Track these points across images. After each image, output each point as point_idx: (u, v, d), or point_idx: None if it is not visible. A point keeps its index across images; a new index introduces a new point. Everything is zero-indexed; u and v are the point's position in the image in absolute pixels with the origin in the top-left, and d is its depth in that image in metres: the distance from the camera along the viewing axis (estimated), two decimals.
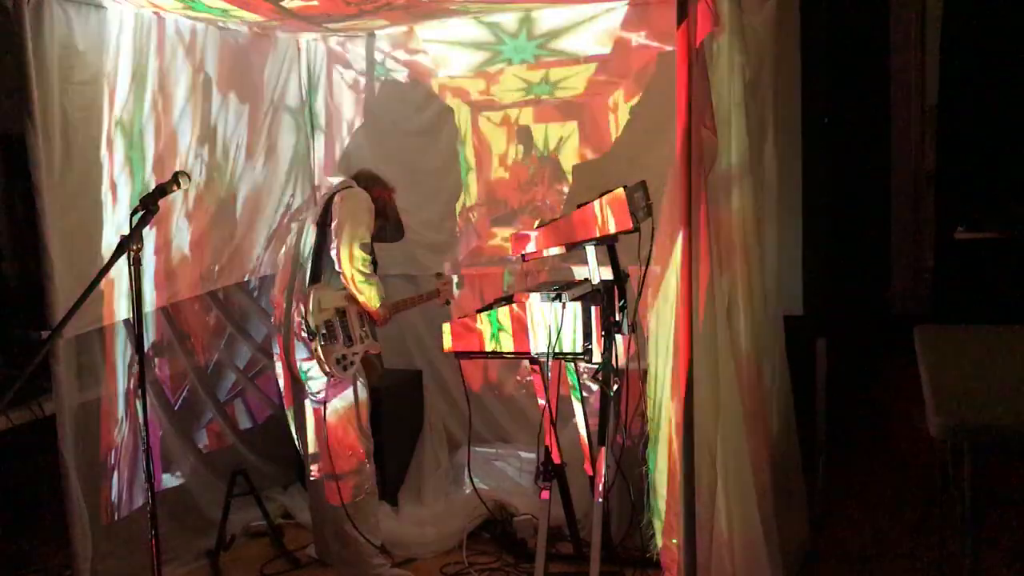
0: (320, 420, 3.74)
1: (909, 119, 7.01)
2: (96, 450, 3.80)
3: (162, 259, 4.19)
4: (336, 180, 3.97)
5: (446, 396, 4.87)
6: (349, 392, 3.75)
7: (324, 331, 3.62)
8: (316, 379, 3.69)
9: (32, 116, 3.34)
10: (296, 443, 3.97)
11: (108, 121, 3.80)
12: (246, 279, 4.79)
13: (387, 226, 4.00)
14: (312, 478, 3.88)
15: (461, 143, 4.87)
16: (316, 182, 5.06)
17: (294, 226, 4.03)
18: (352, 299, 3.74)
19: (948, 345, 2.98)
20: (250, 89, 4.61)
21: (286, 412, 3.95)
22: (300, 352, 3.69)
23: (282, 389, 3.90)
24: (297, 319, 3.64)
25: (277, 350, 3.84)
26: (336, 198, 3.76)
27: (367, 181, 3.96)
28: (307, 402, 3.80)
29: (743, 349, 3.36)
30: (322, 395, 3.71)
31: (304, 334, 3.61)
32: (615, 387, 3.41)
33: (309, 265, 3.72)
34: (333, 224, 3.69)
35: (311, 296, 3.62)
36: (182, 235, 4.30)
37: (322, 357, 3.60)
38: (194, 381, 4.48)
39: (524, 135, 4.77)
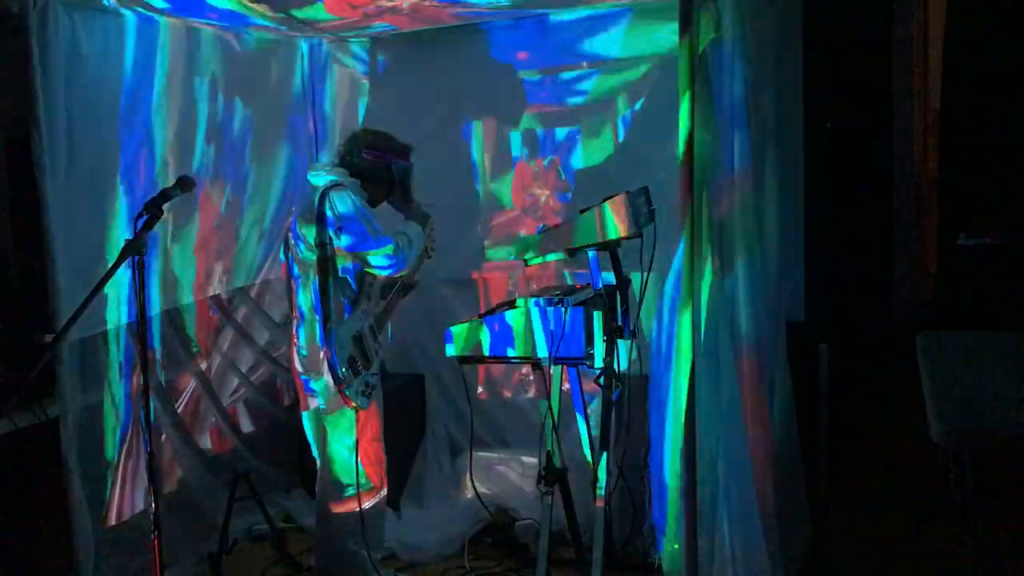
0: (326, 426, 3.62)
1: (912, 124, 7.01)
2: (99, 453, 3.80)
3: (166, 263, 4.20)
4: (321, 179, 3.59)
5: (448, 401, 4.87)
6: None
7: (347, 368, 3.41)
8: (318, 392, 3.59)
9: (37, 120, 3.34)
10: (313, 449, 3.83)
11: (113, 125, 3.82)
12: (249, 282, 4.80)
13: (369, 189, 3.64)
14: (319, 488, 3.76)
15: (464, 147, 4.88)
16: None
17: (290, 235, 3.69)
18: (364, 316, 3.56)
19: (950, 351, 2.99)
20: (254, 93, 4.62)
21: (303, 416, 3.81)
22: (297, 364, 3.62)
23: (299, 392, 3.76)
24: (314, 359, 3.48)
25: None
26: (326, 210, 3.43)
27: (348, 145, 3.69)
28: (315, 409, 3.68)
29: (745, 355, 3.36)
30: (320, 403, 3.59)
31: (333, 384, 3.40)
32: (617, 392, 3.41)
33: (306, 284, 3.52)
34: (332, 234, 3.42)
35: (332, 341, 3.37)
36: (186, 239, 4.31)
37: (348, 397, 3.43)
38: (197, 384, 4.48)
39: (527, 140, 4.78)
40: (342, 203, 3.44)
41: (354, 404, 3.45)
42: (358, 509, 3.56)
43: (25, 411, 4.26)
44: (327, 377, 3.45)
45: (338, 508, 3.63)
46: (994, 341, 3.11)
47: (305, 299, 3.53)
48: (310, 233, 3.46)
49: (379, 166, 3.67)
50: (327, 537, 3.76)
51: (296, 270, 3.56)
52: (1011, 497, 4.12)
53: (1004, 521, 3.94)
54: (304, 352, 3.55)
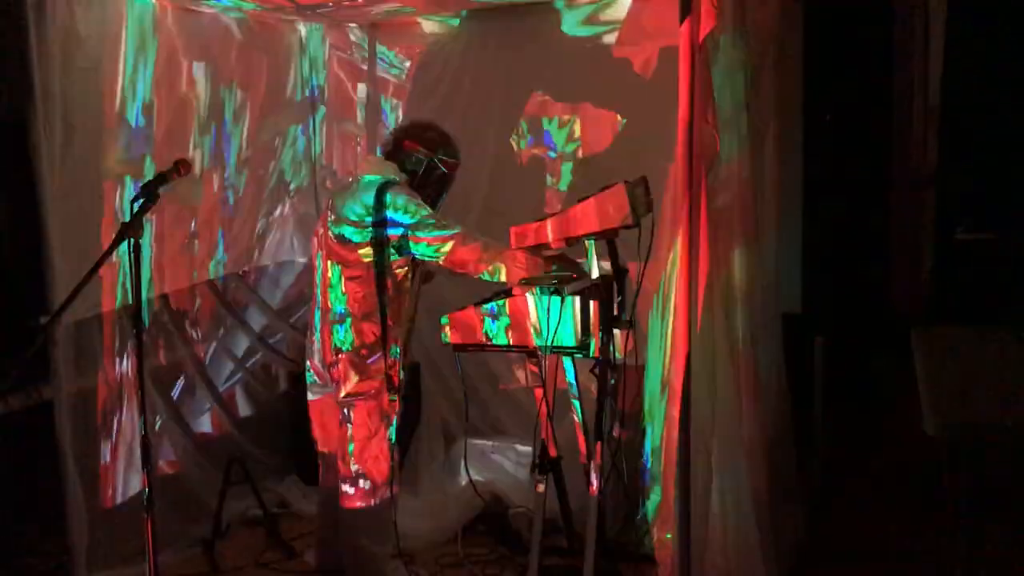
0: (341, 418, 3.56)
1: (911, 118, 6.99)
2: (93, 436, 3.79)
3: (162, 247, 4.19)
4: (374, 176, 3.52)
5: (443, 389, 4.87)
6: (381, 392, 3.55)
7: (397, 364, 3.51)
8: (333, 381, 3.56)
9: (33, 102, 3.33)
10: (315, 440, 3.80)
11: (109, 108, 3.80)
12: (245, 268, 4.79)
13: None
14: (323, 483, 3.72)
15: (463, 135, 4.85)
16: (316, 173, 5.05)
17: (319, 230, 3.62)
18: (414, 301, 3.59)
19: (946, 346, 2.99)
20: (251, 78, 4.60)
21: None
22: (316, 352, 3.61)
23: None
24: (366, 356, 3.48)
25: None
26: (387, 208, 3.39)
27: (394, 134, 3.70)
28: (323, 398, 3.65)
29: (741, 346, 3.36)
30: (342, 394, 3.53)
31: (386, 381, 3.48)
32: (612, 382, 3.41)
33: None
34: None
35: (395, 336, 3.46)
36: (183, 223, 4.30)
37: (389, 391, 3.49)
38: (192, 369, 4.48)
39: (527, 128, 4.76)
40: (401, 198, 3.40)
41: (392, 398, 3.49)
42: (372, 503, 3.53)
43: (19, 393, 4.25)
44: (332, 366, 3.46)
45: (351, 503, 3.55)
46: (990, 336, 3.11)
47: (334, 294, 3.50)
48: (355, 233, 3.42)
49: (419, 159, 3.62)
50: (335, 532, 3.68)
51: (328, 264, 3.51)
52: (1005, 491, 4.12)
53: (998, 514, 3.95)
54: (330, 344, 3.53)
